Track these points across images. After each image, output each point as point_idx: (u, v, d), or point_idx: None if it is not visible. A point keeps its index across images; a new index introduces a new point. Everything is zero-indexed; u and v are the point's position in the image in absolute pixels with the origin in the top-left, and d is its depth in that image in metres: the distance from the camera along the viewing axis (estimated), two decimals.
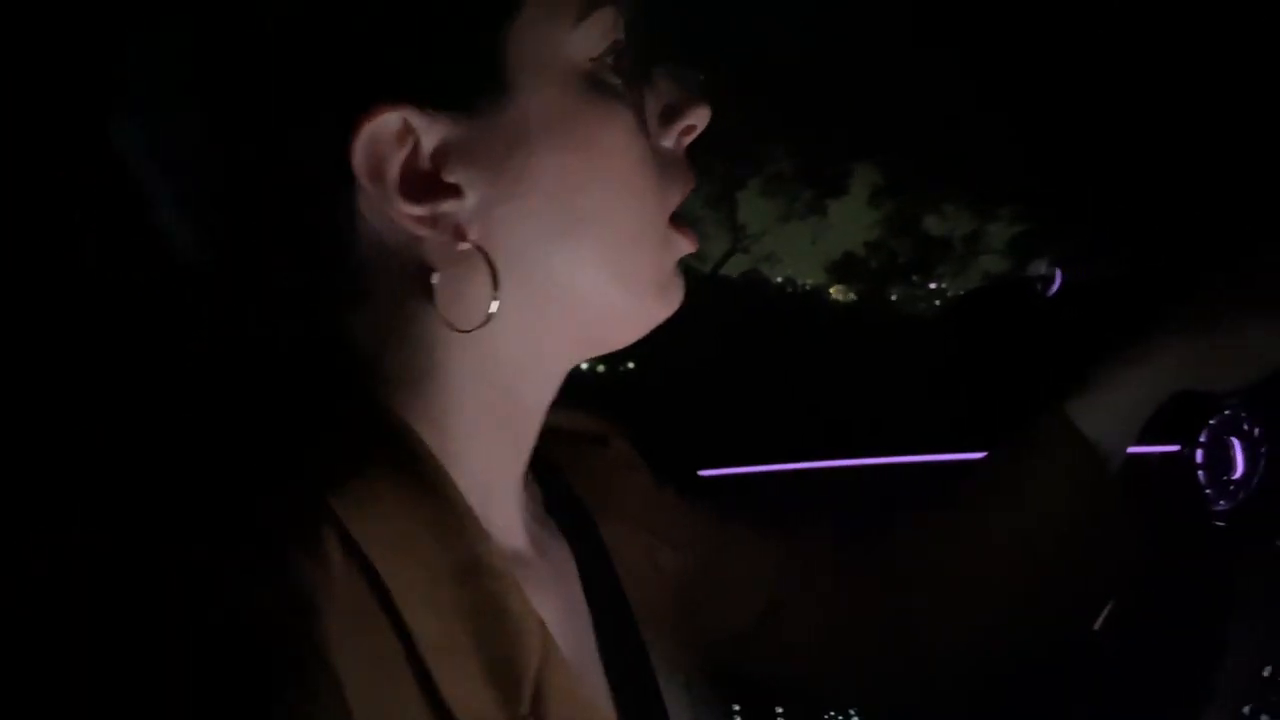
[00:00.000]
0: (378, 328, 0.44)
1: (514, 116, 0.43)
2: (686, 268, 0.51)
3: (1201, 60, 0.82)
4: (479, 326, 0.43)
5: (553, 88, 0.43)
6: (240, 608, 0.35)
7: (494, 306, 0.43)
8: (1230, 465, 0.67)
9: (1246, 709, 0.56)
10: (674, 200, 0.49)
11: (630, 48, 0.46)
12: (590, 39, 0.44)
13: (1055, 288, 0.98)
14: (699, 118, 0.50)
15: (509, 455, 0.49)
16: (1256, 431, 0.66)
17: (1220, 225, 0.85)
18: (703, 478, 1.21)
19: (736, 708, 0.81)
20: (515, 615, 0.42)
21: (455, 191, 0.42)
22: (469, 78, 0.42)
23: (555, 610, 0.48)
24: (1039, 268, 1.04)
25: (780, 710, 0.83)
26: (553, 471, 0.58)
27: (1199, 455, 0.70)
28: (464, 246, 0.43)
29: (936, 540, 0.69)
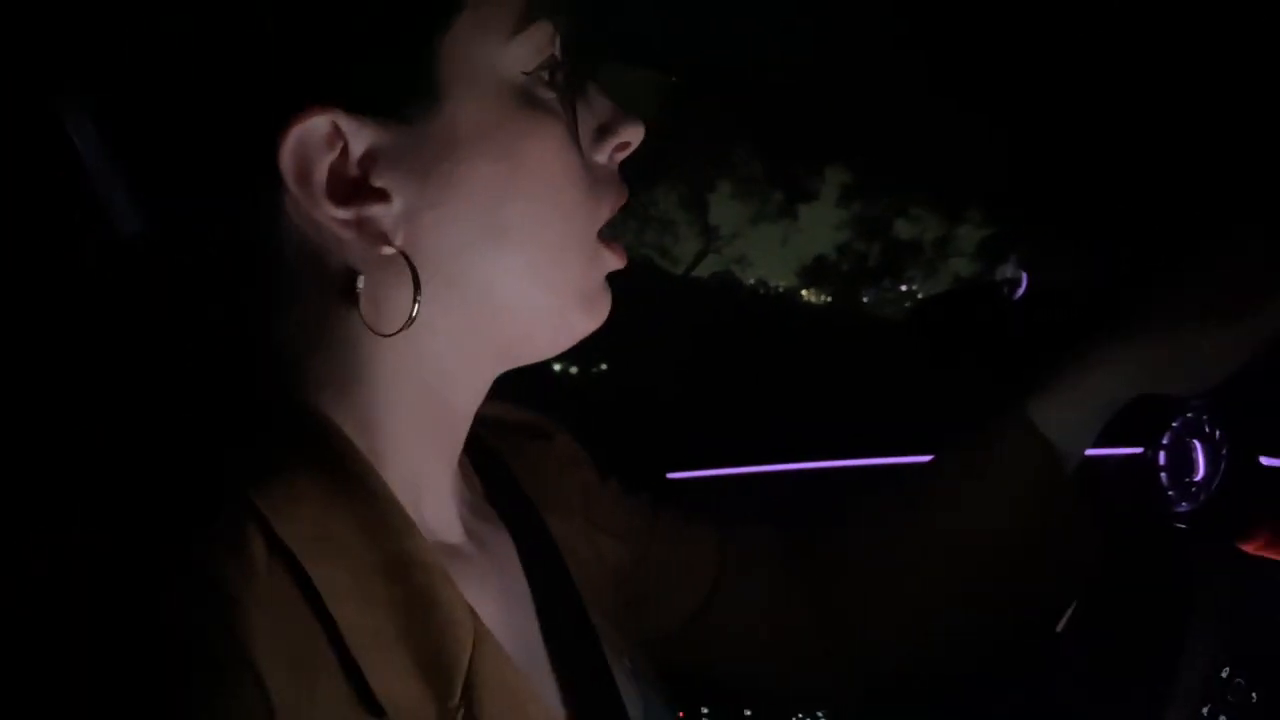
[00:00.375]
0: (305, 328, 0.45)
1: (444, 125, 0.43)
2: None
3: (1169, 63, 0.82)
4: (400, 330, 0.44)
5: (484, 99, 0.44)
6: (158, 605, 0.35)
7: (416, 310, 0.44)
8: (1192, 467, 0.68)
9: (1205, 709, 0.57)
10: (604, 214, 0.49)
11: (567, 63, 0.46)
12: (525, 53, 0.45)
13: (1022, 291, 0.99)
14: (633, 135, 0.50)
15: (439, 454, 0.50)
16: (1217, 434, 0.67)
17: (1185, 231, 0.86)
18: (675, 480, 1.20)
19: (705, 710, 0.81)
20: (445, 607, 0.43)
21: (382, 196, 0.43)
22: (400, 86, 0.42)
23: (495, 601, 0.49)
24: (1006, 271, 1.04)
25: (749, 713, 0.83)
26: (495, 462, 0.59)
27: (1162, 457, 0.71)
28: (388, 251, 0.43)
29: (887, 537, 0.70)
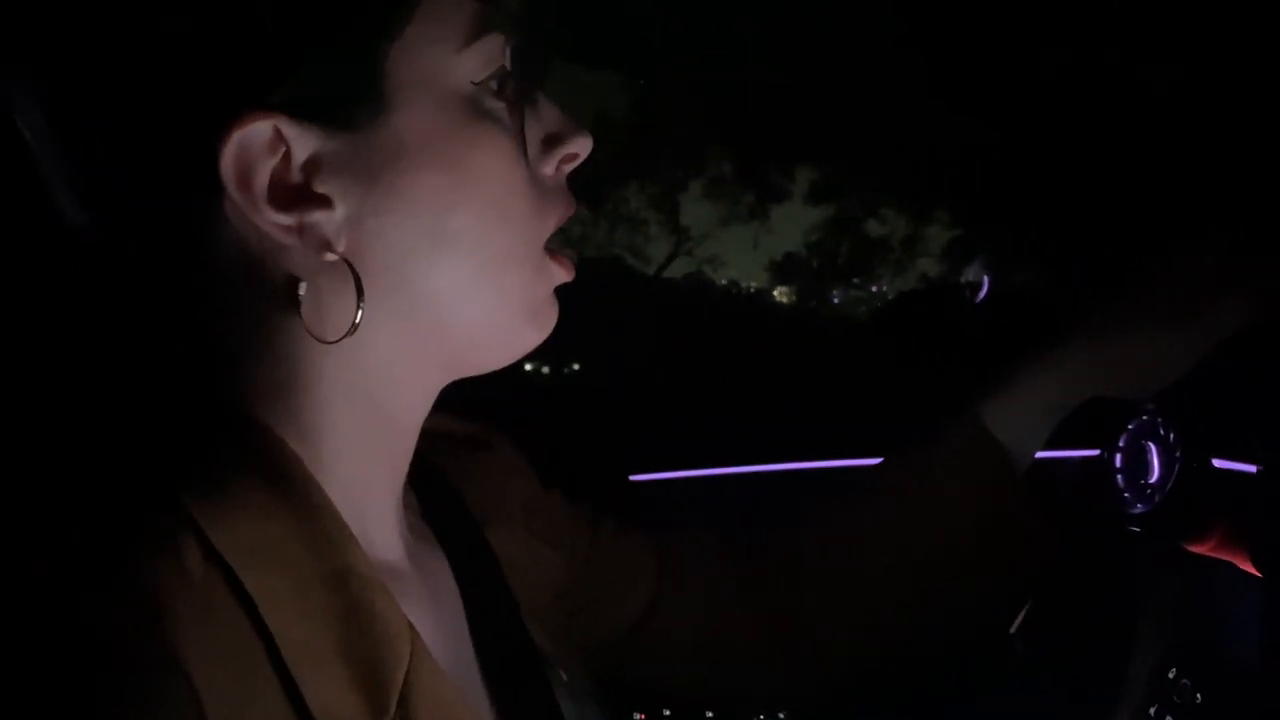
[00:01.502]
0: (247, 335, 0.44)
1: (389, 133, 0.43)
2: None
3: (1135, 69, 0.83)
4: (342, 338, 0.43)
5: (431, 108, 0.44)
6: (88, 613, 0.35)
7: (359, 317, 0.43)
8: (1147, 469, 0.69)
9: (1152, 710, 0.58)
10: (550, 225, 0.50)
11: (518, 74, 0.47)
12: (475, 64, 0.45)
13: (984, 293, 1.00)
14: (581, 147, 0.51)
15: (383, 467, 0.50)
16: (1171, 436, 0.68)
17: (1146, 234, 0.87)
18: (643, 481, 1.20)
19: (667, 712, 0.81)
20: (383, 620, 0.42)
21: (325, 202, 0.43)
22: (346, 93, 0.42)
23: (429, 619, 0.49)
24: (969, 274, 1.05)
25: (710, 715, 0.83)
26: (434, 477, 0.59)
27: (1117, 459, 0.72)
28: (330, 257, 0.43)
29: (837, 538, 0.70)
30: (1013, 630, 0.66)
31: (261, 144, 0.41)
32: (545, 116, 0.50)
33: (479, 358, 0.50)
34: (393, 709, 0.41)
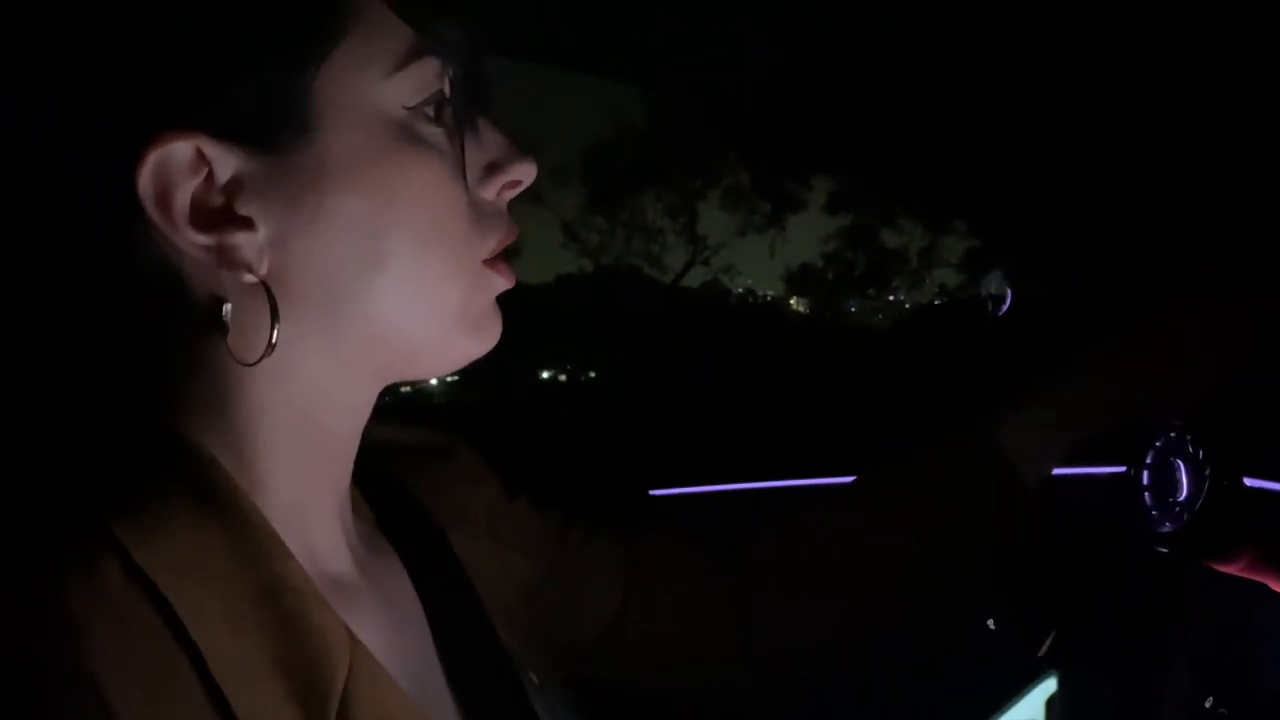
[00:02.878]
0: (175, 355, 0.44)
1: (314, 156, 0.43)
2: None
3: (1158, 77, 0.82)
4: (260, 359, 0.43)
5: (358, 133, 0.44)
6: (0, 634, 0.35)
7: (275, 338, 0.43)
8: (1175, 487, 0.67)
9: None
10: (488, 247, 0.49)
11: (457, 100, 0.46)
12: (406, 89, 0.45)
13: (1006, 306, 0.99)
14: (523, 174, 0.50)
15: (322, 480, 0.49)
16: (1200, 453, 0.66)
17: (1169, 246, 0.86)
18: (658, 496, 1.20)
19: None
20: (318, 631, 0.42)
21: (247, 224, 0.42)
22: (269, 115, 0.42)
23: (383, 631, 0.49)
24: (990, 285, 1.04)
25: None
26: (394, 488, 0.59)
27: (1145, 476, 0.70)
28: (250, 279, 0.43)
29: (811, 538, 0.70)
30: (1040, 654, 0.64)
31: (182, 164, 0.41)
32: (488, 142, 0.50)
33: (416, 370, 0.50)
34: (332, 718, 0.41)
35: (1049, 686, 0.61)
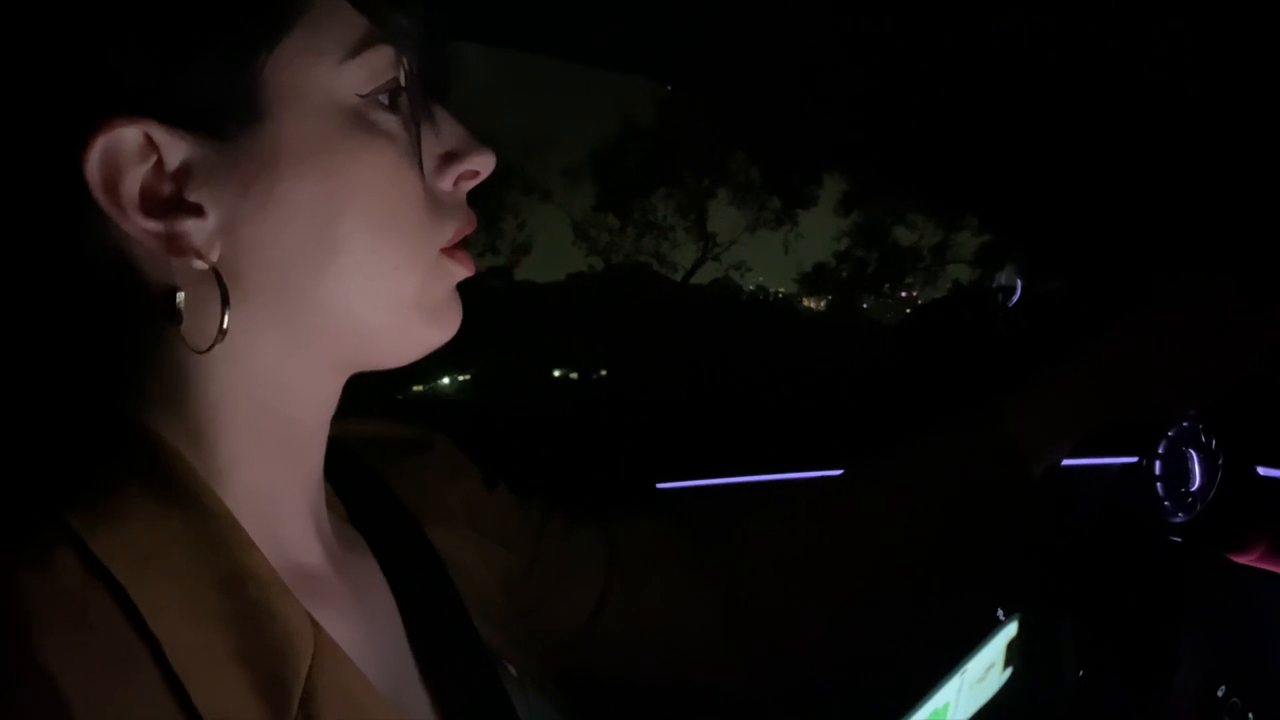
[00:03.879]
0: (133, 345, 0.44)
1: (265, 143, 0.43)
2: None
3: (1168, 71, 0.82)
4: (212, 346, 0.43)
5: (309, 119, 0.43)
6: None
7: (225, 324, 0.43)
8: (1188, 477, 0.67)
9: None
10: (445, 236, 0.49)
11: (414, 88, 0.46)
12: (359, 76, 0.44)
13: (1016, 299, 0.98)
14: (481, 164, 0.50)
15: (290, 469, 0.49)
16: (1213, 443, 0.66)
17: (1182, 241, 0.85)
18: (665, 489, 1.20)
19: None
20: (281, 621, 0.42)
21: (197, 210, 0.42)
22: (219, 102, 0.42)
23: (352, 621, 0.49)
24: (1002, 278, 1.04)
25: None
26: (367, 481, 0.59)
27: (1157, 466, 0.70)
28: (200, 266, 0.43)
29: (798, 521, 0.70)
30: (1052, 642, 0.64)
31: (131, 150, 0.41)
32: (446, 132, 0.50)
33: (376, 358, 0.50)
34: (294, 709, 0.41)
35: (1011, 630, 0.61)
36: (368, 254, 0.45)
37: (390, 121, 0.46)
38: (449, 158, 0.49)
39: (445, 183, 0.49)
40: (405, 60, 0.45)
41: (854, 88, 1.00)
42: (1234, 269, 0.67)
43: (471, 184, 0.51)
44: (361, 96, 0.45)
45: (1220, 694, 0.56)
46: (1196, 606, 0.59)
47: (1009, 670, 0.61)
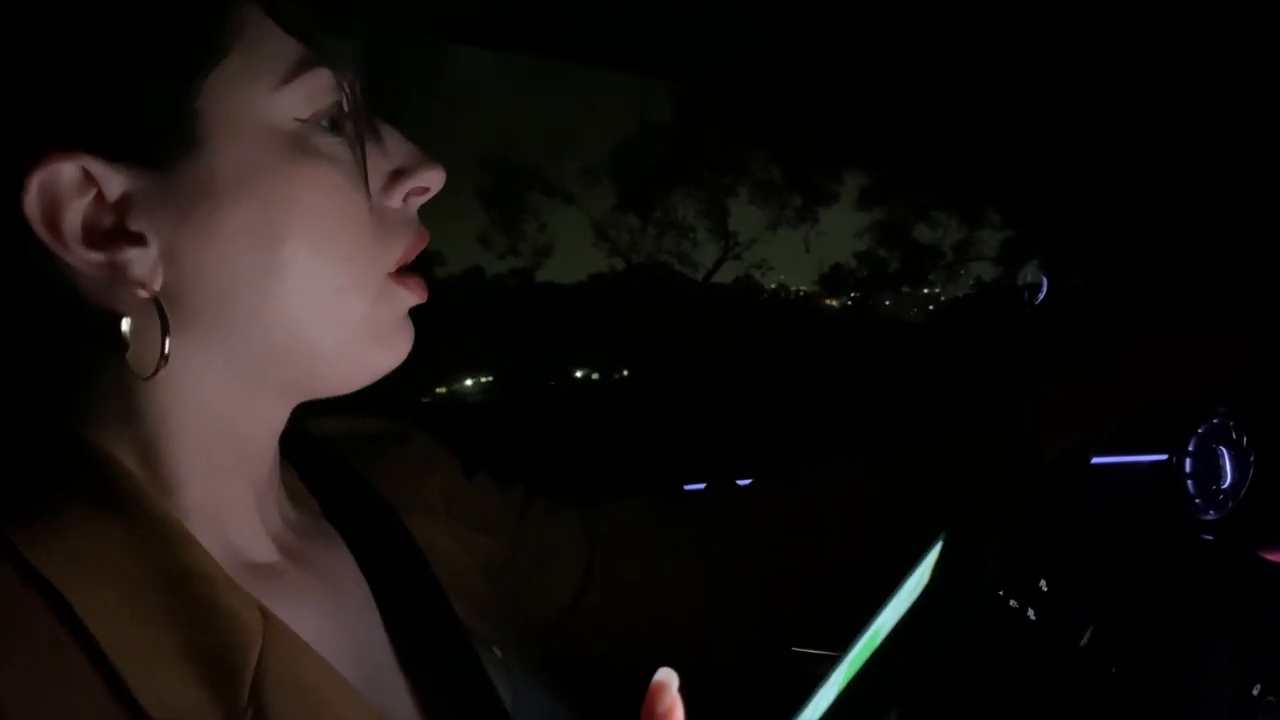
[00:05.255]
0: (80, 367, 0.45)
1: (202, 171, 0.43)
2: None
3: (1194, 66, 0.81)
4: (154, 373, 0.44)
5: (246, 146, 0.44)
6: None
7: (166, 349, 0.44)
8: (1219, 474, 0.67)
9: None
10: (394, 256, 0.49)
11: (356, 108, 0.46)
12: (296, 101, 0.45)
13: (1042, 295, 0.98)
14: (430, 180, 0.50)
15: (236, 479, 0.50)
16: (1244, 440, 0.65)
17: (1202, 239, 0.85)
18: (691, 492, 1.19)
19: None
20: (228, 613, 0.43)
21: (138, 240, 0.43)
22: (154, 133, 0.42)
23: (322, 612, 0.50)
24: (1026, 275, 1.03)
25: None
26: (341, 476, 0.60)
27: (1187, 464, 0.69)
28: (143, 294, 0.43)
29: (782, 496, 0.71)
30: (1081, 644, 0.63)
31: (70, 185, 0.41)
32: (393, 150, 0.50)
33: (325, 384, 0.50)
34: (245, 697, 0.42)
35: (937, 550, 0.61)
36: (311, 276, 0.46)
37: (332, 144, 0.46)
38: (397, 175, 0.50)
39: (394, 200, 0.50)
40: (346, 82, 0.46)
41: (875, 83, 0.99)
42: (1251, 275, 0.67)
43: (421, 200, 0.51)
44: (300, 120, 0.45)
45: (1256, 693, 0.55)
46: (1229, 605, 0.59)
47: (924, 585, 0.61)
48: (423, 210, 0.52)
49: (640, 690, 0.36)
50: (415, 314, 0.52)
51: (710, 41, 0.98)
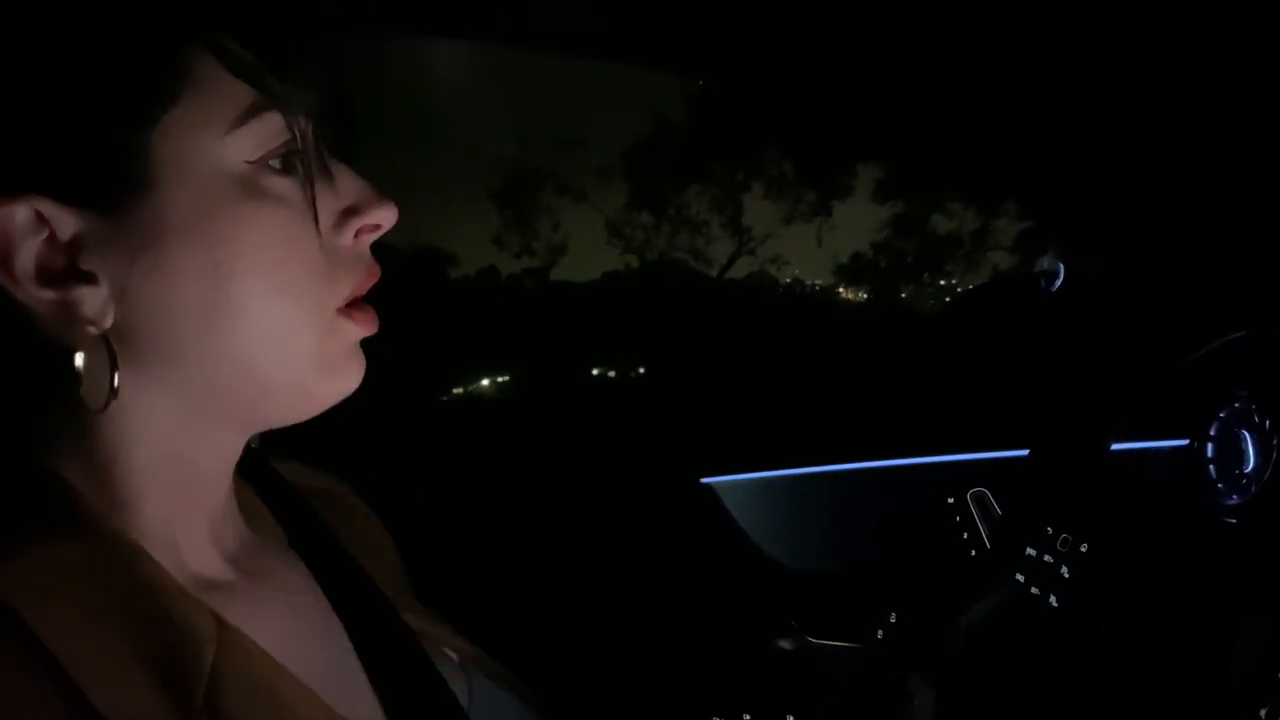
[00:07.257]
0: (36, 399, 0.46)
1: (152, 213, 0.44)
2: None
3: (1208, 55, 0.81)
4: (104, 408, 0.45)
5: (197, 188, 0.45)
6: None
7: (115, 384, 0.45)
8: (1241, 459, 0.66)
9: (1263, 712, 0.55)
10: (343, 292, 0.50)
11: (308, 149, 0.47)
12: (246, 144, 0.46)
13: (1059, 283, 0.97)
14: (381, 217, 0.51)
15: (192, 503, 0.51)
16: (1267, 424, 0.65)
17: (1221, 227, 0.84)
18: (710, 484, 1.19)
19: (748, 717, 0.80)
20: (181, 620, 0.45)
21: (90, 279, 0.44)
22: (104, 177, 0.43)
23: (281, 622, 0.52)
24: (1044, 263, 1.02)
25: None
26: (303, 507, 0.63)
27: (1209, 449, 0.68)
28: (93, 331, 0.44)
29: None
30: (1103, 630, 0.63)
31: (23, 226, 0.43)
32: (345, 188, 0.50)
33: (274, 416, 0.51)
34: (199, 699, 0.43)
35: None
36: (260, 313, 0.47)
37: (282, 184, 0.47)
38: (349, 213, 0.50)
39: (344, 238, 0.50)
40: (296, 124, 0.47)
41: (887, 74, 0.99)
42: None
43: (373, 237, 0.52)
44: (250, 163, 0.46)
45: None
46: (1252, 589, 0.58)
47: None
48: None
49: (601, 685, 0.36)
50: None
51: (722, 38, 0.98)
